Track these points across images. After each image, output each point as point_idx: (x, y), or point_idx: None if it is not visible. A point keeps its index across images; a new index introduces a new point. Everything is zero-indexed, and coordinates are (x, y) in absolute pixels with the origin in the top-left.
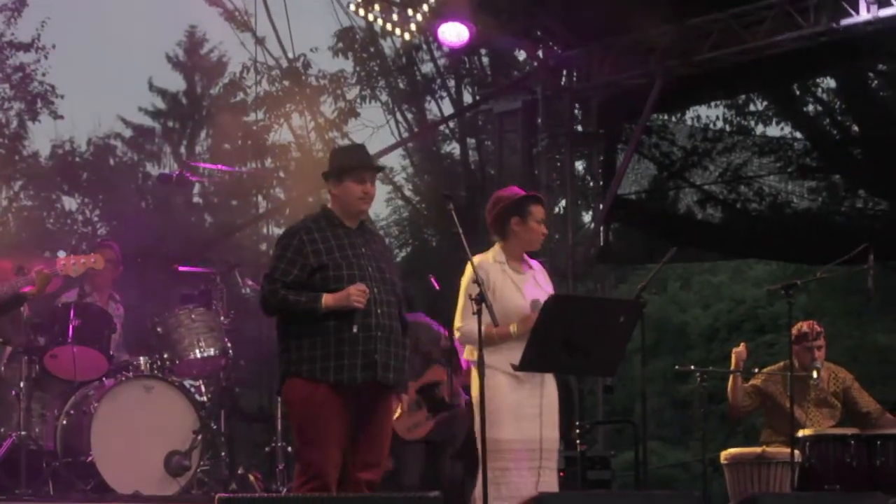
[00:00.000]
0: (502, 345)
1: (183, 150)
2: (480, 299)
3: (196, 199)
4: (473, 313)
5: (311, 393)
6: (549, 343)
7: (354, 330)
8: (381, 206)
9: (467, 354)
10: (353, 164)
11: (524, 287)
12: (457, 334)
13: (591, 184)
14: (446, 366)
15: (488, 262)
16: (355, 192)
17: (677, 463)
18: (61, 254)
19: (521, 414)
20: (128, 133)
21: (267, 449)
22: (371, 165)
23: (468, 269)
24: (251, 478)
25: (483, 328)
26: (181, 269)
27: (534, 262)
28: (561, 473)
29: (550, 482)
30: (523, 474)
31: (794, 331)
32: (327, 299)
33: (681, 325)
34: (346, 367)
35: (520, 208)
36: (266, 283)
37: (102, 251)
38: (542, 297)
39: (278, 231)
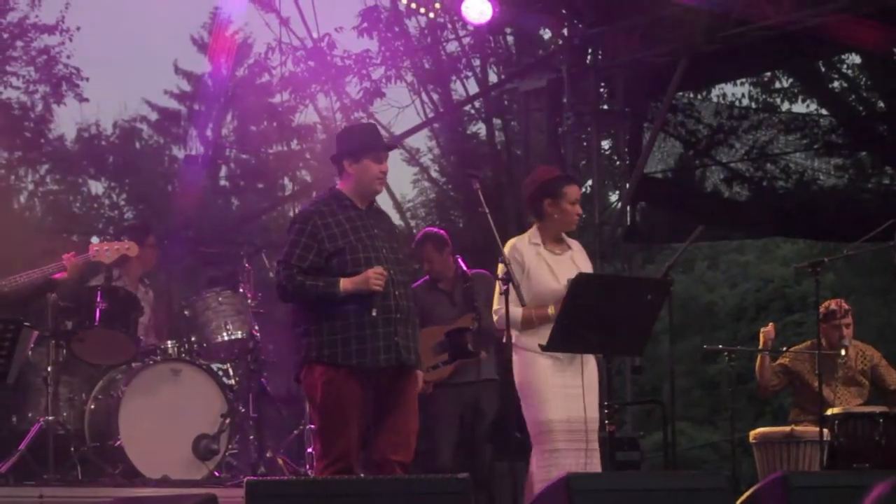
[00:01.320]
0: (541, 328)
1: (209, 132)
2: (507, 279)
3: (222, 183)
4: (501, 293)
5: (333, 377)
6: (576, 322)
7: (374, 314)
8: (407, 188)
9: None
10: (373, 143)
11: (559, 269)
12: (494, 317)
13: (618, 163)
14: (477, 315)
15: (524, 243)
16: (374, 171)
17: (706, 443)
18: (94, 240)
19: (566, 394)
20: (153, 116)
21: (295, 432)
22: (389, 144)
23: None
24: (279, 461)
25: (522, 311)
26: (208, 251)
27: (573, 243)
28: None
29: (595, 463)
30: (573, 454)
31: (822, 309)
32: (345, 283)
33: (708, 304)
34: (369, 350)
35: (552, 189)
36: (282, 269)
37: (149, 238)
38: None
39: None
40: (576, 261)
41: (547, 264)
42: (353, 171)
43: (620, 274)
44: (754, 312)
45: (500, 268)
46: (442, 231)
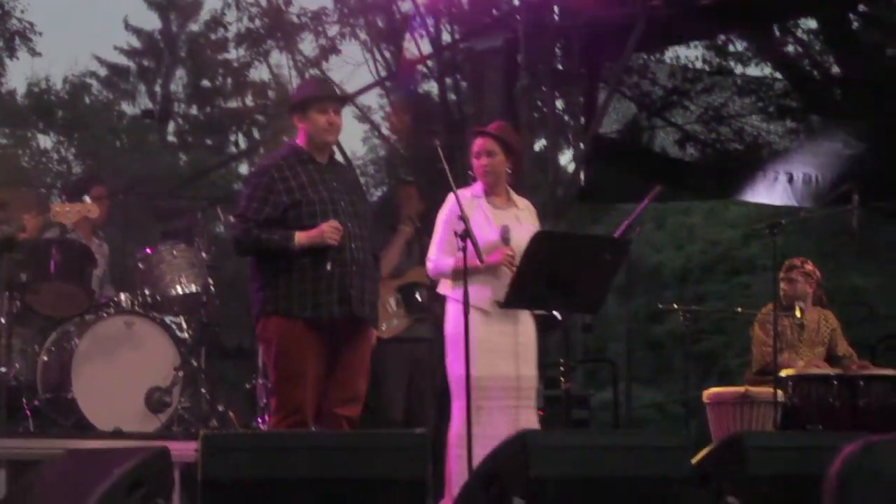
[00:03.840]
0: (472, 279)
1: (158, 88)
2: (465, 235)
3: (171, 139)
4: (459, 249)
5: (288, 329)
6: (534, 279)
7: (329, 267)
8: (357, 145)
9: (441, 289)
10: (316, 96)
11: (499, 222)
12: (429, 265)
13: (572, 123)
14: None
15: (465, 196)
16: (320, 123)
17: (651, 403)
18: (55, 200)
19: (493, 350)
20: (103, 72)
21: (248, 386)
22: (333, 95)
23: (445, 204)
24: (231, 415)
25: (454, 262)
26: (162, 205)
27: (522, 201)
28: (540, 412)
29: (529, 421)
30: (500, 413)
31: (785, 264)
32: (300, 237)
33: (655, 265)
34: (323, 303)
35: (469, 145)
36: (239, 223)
37: (95, 189)
38: (520, 232)
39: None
40: (520, 218)
41: (486, 216)
42: (303, 125)
43: (579, 232)
44: (700, 274)
45: (454, 221)
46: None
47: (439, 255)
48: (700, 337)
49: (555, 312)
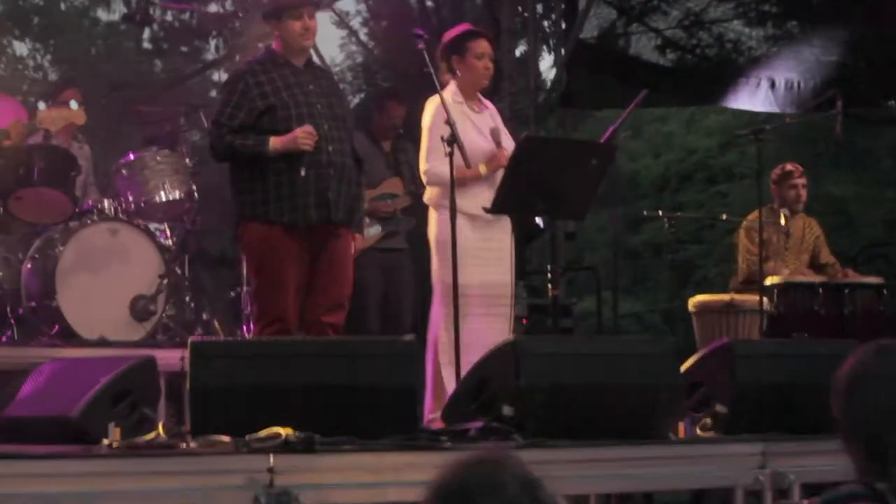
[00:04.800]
0: (471, 188)
1: None
2: (452, 140)
3: (146, 45)
4: (445, 155)
5: (267, 235)
6: (522, 185)
7: (303, 173)
8: (335, 51)
9: (430, 197)
10: (290, 2)
11: (483, 127)
12: (424, 177)
13: (553, 28)
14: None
15: (448, 101)
16: (295, 28)
17: (629, 313)
18: (41, 105)
19: (480, 257)
20: None
21: (231, 294)
22: (307, 0)
23: (428, 109)
24: (216, 323)
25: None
26: (145, 110)
27: (488, 103)
28: (524, 321)
29: (506, 328)
30: (484, 319)
31: (777, 171)
32: (275, 142)
33: (631, 174)
34: (300, 206)
35: (457, 45)
36: (214, 129)
37: (72, 93)
38: (504, 133)
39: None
40: (495, 119)
41: (472, 122)
42: (278, 31)
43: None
44: (677, 183)
45: (440, 127)
46: (395, 89)
47: (436, 162)
48: (678, 246)
49: (538, 220)
